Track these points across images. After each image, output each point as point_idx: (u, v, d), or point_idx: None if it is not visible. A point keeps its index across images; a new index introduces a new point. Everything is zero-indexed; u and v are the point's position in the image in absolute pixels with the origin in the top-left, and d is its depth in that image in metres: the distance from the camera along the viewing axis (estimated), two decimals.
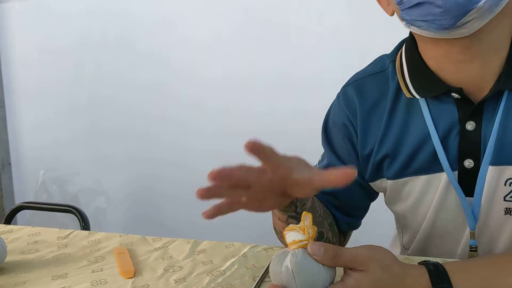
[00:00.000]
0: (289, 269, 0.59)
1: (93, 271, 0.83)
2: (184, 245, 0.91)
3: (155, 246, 0.92)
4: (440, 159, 0.78)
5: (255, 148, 0.56)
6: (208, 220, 0.58)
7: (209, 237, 0.95)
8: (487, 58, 0.75)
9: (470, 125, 0.77)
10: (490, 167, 0.76)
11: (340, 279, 0.61)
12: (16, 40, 2.55)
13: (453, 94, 0.77)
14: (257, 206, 0.62)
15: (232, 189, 0.58)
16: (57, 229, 1.02)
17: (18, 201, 2.61)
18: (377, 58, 0.91)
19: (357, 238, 1.01)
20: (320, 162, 0.95)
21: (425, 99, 0.80)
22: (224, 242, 0.90)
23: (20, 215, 1.59)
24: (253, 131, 2.07)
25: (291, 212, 0.72)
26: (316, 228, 0.62)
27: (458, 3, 0.66)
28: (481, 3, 0.66)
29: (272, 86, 2.06)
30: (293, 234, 0.62)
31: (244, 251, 0.87)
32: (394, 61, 0.87)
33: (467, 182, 0.78)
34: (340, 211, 0.90)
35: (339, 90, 0.92)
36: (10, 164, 2.64)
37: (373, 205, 0.96)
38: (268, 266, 0.72)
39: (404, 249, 0.93)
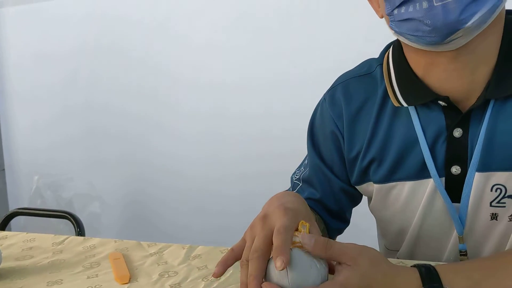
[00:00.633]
0: None
1: (88, 277, 0.83)
2: (179, 250, 0.91)
3: (150, 251, 0.92)
4: (428, 166, 0.79)
5: None
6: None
7: (204, 242, 0.96)
8: (475, 67, 0.75)
9: (457, 132, 0.77)
10: (476, 173, 0.76)
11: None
12: (11, 44, 2.55)
13: (440, 102, 0.77)
14: None
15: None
16: (52, 235, 1.02)
17: (12, 206, 2.60)
18: (364, 61, 0.92)
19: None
20: (303, 165, 0.96)
21: (414, 106, 0.80)
22: (219, 247, 0.90)
23: (14, 221, 1.59)
24: (249, 134, 2.08)
25: None
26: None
27: (447, 24, 0.67)
28: (469, 23, 0.66)
29: (267, 89, 2.06)
30: None
31: None
32: (381, 64, 0.87)
33: (454, 188, 0.78)
34: (331, 216, 0.92)
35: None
36: (4, 170, 2.63)
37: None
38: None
39: (387, 250, 0.94)
